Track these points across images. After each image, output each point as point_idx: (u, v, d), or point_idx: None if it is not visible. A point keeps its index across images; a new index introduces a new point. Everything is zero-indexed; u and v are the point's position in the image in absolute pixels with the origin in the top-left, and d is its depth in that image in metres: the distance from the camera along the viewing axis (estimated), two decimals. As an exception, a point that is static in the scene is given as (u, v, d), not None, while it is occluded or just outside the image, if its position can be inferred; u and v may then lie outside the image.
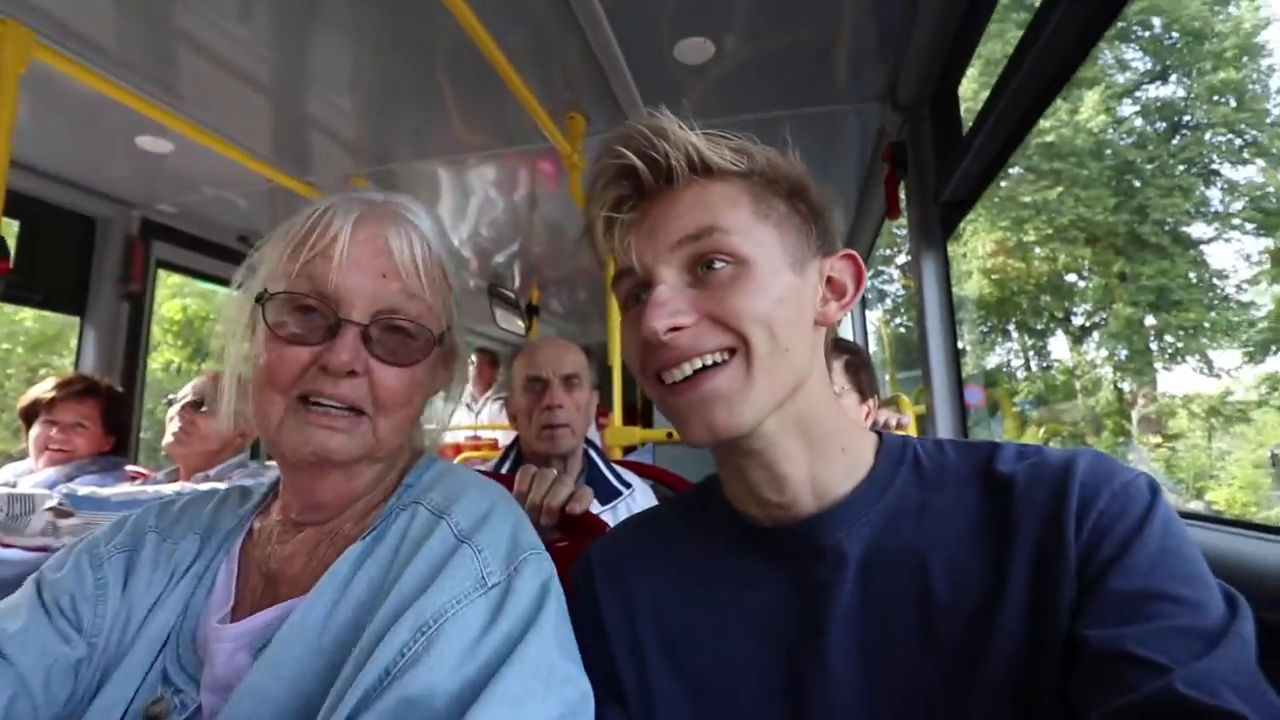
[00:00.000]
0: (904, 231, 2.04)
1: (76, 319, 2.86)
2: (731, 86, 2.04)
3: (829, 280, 0.67)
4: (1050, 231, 18.13)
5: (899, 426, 2.05)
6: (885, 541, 0.62)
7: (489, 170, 2.75)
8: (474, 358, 4.92)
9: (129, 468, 2.15)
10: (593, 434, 2.02)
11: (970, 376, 20.19)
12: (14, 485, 1.68)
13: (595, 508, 1.55)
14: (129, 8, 1.68)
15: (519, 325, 4.53)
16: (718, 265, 0.60)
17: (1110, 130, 18.26)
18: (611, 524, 0.98)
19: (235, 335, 0.74)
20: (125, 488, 1.71)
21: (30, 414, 2.05)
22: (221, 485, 0.94)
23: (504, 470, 1.69)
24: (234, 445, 2.00)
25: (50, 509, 1.46)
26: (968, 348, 21.34)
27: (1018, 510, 0.57)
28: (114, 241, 2.88)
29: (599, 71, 1.94)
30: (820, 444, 0.64)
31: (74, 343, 2.90)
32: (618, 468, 1.76)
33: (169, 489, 1.72)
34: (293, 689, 0.59)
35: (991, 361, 21.53)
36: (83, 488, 1.61)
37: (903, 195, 2.10)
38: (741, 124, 0.76)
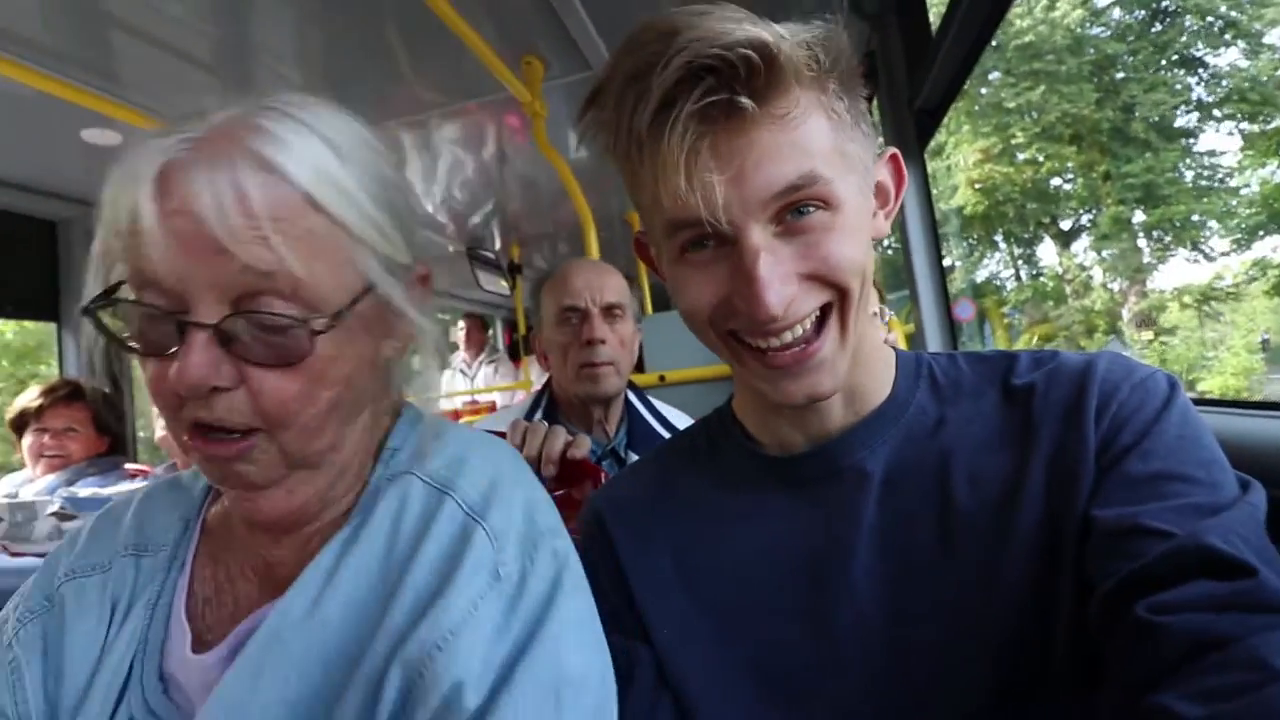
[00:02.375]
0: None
1: (54, 326, 2.82)
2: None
3: (877, 187, 0.61)
4: (1037, 131, 17.87)
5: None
6: (905, 457, 0.62)
7: (452, 128, 2.66)
8: (463, 323, 4.90)
9: (129, 466, 2.16)
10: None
11: (960, 291, 20.21)
12: (15, 495, 1.68)
13: None
14: (51, -7, 1.60)
15: (503, 286, 4.48)
16: (809, 210, 0.54)
17: (1088, 24, 17.79)
18: None
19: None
20: (126, 485, 1.72)
21: (20, 424, 2.04)
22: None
23: (536, 419, 1.41)
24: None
25: (52, 514, 1.47)
26: (957, 263, 21.30)
27: (1037, 413, 0.58)
28: (78, 243, 2.81)
29: (549, 8, 1.86)
30: (859, 357, 0.62)
31: (47, 360, 2.87)
32: (662, 408, 1.54)
33: (147, 485, 1.72)
34: (275, 698, 0.52)
35: (981, 275, 21.56)
36: (84, 490, 1.62)
37: (876, 108, 2.05)
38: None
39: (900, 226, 1.90)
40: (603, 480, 0.97)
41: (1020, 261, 21.27)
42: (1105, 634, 0.47)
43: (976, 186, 19.05)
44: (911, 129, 1.81)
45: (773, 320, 0.53)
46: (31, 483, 1.97)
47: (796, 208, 0.53)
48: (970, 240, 20.83)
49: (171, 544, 0.65)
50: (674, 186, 0.52)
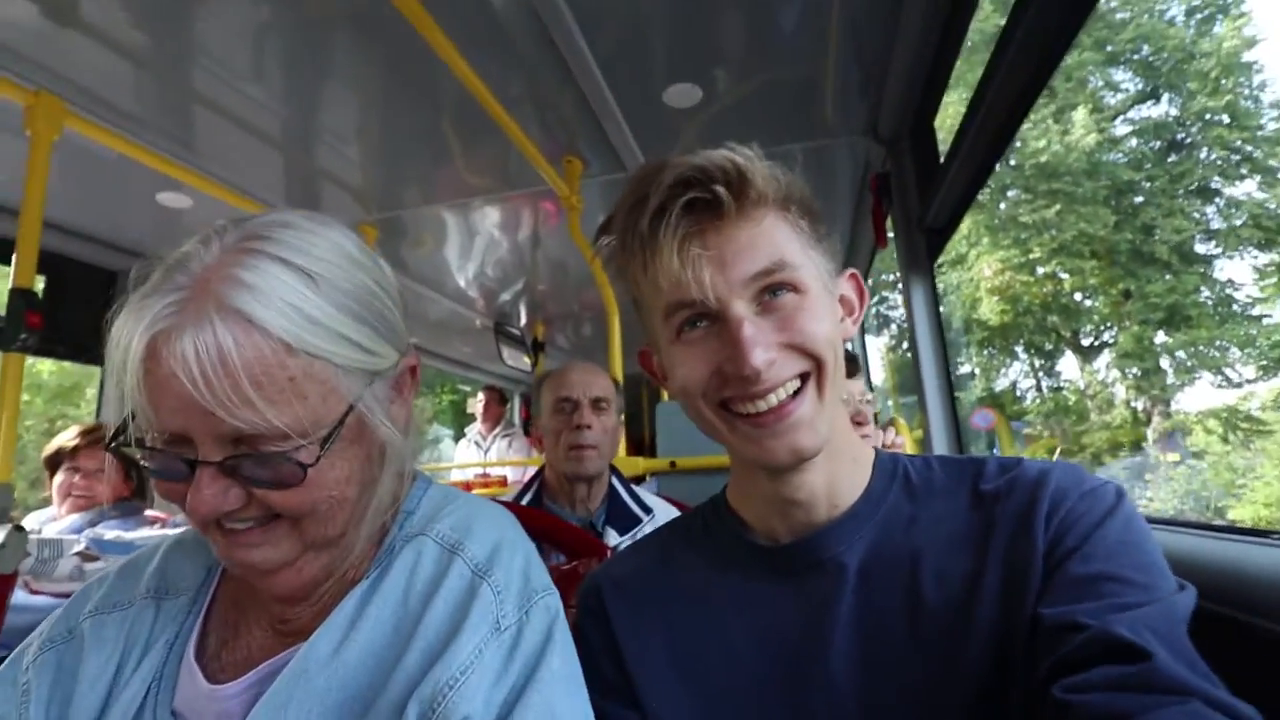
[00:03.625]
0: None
1: (95, 370, 2.96)
2: (722, 126, 2.14)
3: (840, 299, 0.72)
4: (1055, 247, 18.24)
5: (893, 446, 2.09)
6: (880, 552, 0.66)
7: (493, 212, 2.85)
8: (481, 395, 4.99)
9: (149, 512, 2.21)
10: None
11: (980, 399, 20.08)
12: (38, 532, 1.74)
13: (613, 538, 1.57)
14: (153, 73, 1.81)
15: (525, 362, 4.60)
16: (783, 294, 0.64)
17: (1105, 150, 18.47)
18: None
19: None
20: (147, 531, 1.77)
21: (54, 462, 2.12)
22: None
23: (525, 501, 1.73)
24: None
25: (77, 553, 1.51)
26: (977, 370, 21.26)
27: (997, 517, 0.63)
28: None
29: (593, 117, 2.04)
30: (838, 453, 0.69)
31: (90, 392, 2.98)
32: (640, 493, 1.77)
33: (178, 532, 1.76)
34: None
35: (1001, 384, 21.44)
36: (109, 532, 1.67)
37: (891, 226, 2.18)
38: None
39: (910, 333, 1.98)
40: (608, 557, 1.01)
41: (1041, 374, 21.20)
42: (1035, 717, 0.51)
43: (994, 299, 19.29)
44: (922, 246, 1.93)
45: (757, 375, 0.61)
46: (55, 521, 2.02)
47: (771, 290, 0.63)
48: (990, 349, 20.88)
49: (193, 588, 0.71)
50: (670, 268, 0.63)
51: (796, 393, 0.64)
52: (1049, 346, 20.60)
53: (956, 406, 1.93)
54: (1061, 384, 20.80)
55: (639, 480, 2.81)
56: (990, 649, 0.57)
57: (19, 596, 1.46)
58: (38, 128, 1.64)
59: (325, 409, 0.59)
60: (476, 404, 5.02)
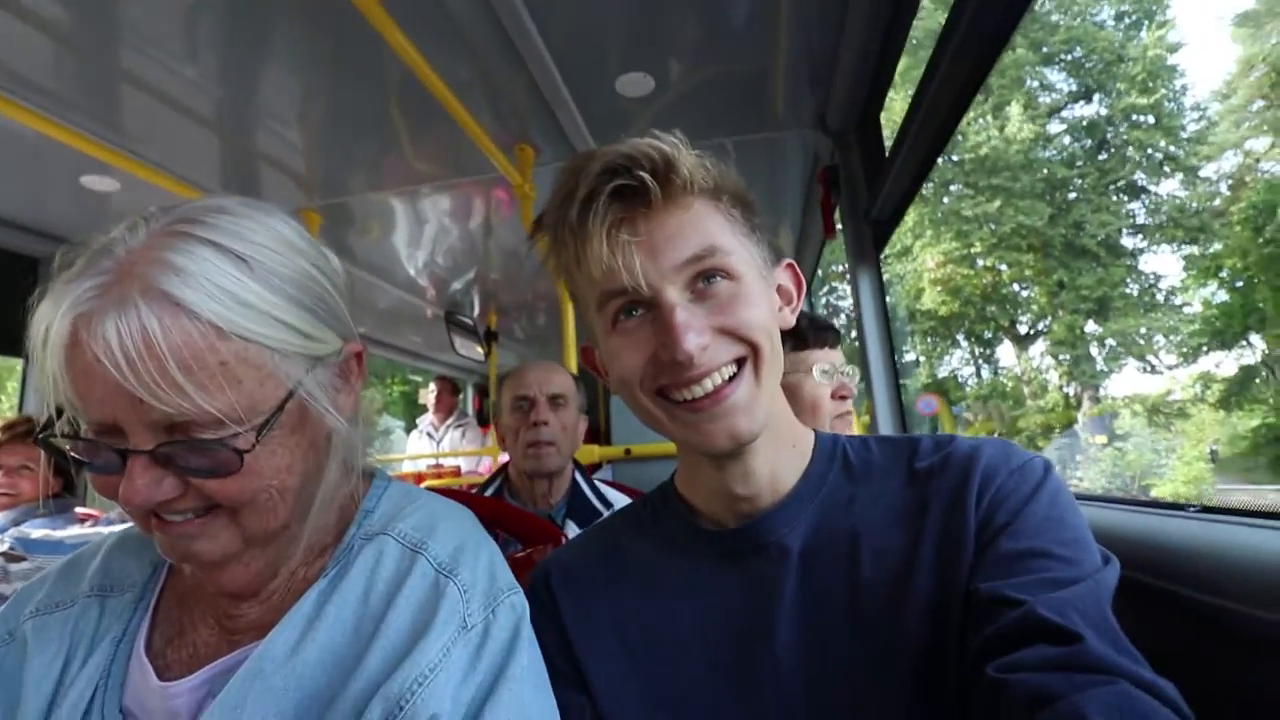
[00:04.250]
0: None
1: (15, 363, 2.80)
2: (674, 116, 2.14)
3: (778, 288, 0.72)
4: (994, 241, 19.00)
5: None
6: (821, 533, 0.68)
7: (443, 200, 2.79)
8: (434, 385, 4.91)
9: (79, 509, 2.11)
10: None
11: (925, 386, 20.80)
12: (-42, 532, 1.64)
13: (573, 531, 1.57)
14: (73, 50, 1.69)
15: (478, 351, 4.54)
16: (717, 280, 0.63)
17: (1041, 146, 19.30)
18: None
19: None
20: (77, 529, 1.69)
21: (-27, 460, 2.00)
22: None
23: (489, 493, 1.73)
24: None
25: (1, 554, 1.44)
26: (921, 358, 22.01)
27: (931, 494, 0.65)
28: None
29: (545, 105, 2.02)
30: (780, 439, 0.70)
31: (11, 386, 2.82)
32: (602, 487, 1.78)
33: (121, 529, 1.70)
34: None
35: (943, 371, 22.28)
36: (35, 531, 1.59)
37: (839, 217, 2.23)
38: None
39: (858, 322, 2.04)
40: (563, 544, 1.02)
41: (981, 361, 22.10)
42: (969, 692, 0.54)
43: (938, 288, 19.98)
44: (869, 237, 1.98)
45: (690, 359, 0.60)
46: (-24, 521, 1.92)
47: (705, 276, 0.63)
48: (934, 337, 21.64)
49: (139, 585, 0.70)
50: (599, 256, 0.62)
51: (733, 378, 0.64)
52: (988, 335, 21.48)
53: (901, 393, 2.00)
54: (999, 370, 21.73)
55: (595, 468, 2.83)
56: (926, 622, 0.60)
57: (-64, 602, 1.38)
58: (-51, 104, 1.53)
59: (262, 394, 0.57)
60: (429, 395, 4.94)
